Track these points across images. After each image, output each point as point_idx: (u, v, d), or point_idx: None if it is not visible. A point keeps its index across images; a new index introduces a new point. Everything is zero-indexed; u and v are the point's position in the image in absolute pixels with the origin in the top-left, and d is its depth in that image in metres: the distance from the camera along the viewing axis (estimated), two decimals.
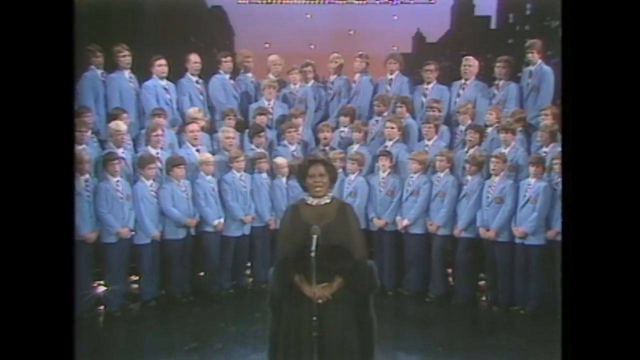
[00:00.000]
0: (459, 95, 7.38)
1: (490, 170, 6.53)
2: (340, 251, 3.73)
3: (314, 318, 3.68)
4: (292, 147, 7.31)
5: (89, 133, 6.71)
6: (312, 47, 8.50)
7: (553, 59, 7.26)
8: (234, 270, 7.07)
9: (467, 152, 6.82)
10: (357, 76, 7.78)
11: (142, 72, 7.35)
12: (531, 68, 7.11)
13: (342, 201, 4.18)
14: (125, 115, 6.96)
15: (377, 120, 7.41)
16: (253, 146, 7.24)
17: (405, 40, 8.88)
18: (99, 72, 7.18)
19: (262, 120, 7.35)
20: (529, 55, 7.09)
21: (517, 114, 6.90)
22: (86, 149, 6.50)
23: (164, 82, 7.35)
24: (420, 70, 7.60)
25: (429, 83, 7.49)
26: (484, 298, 6.81)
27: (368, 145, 7.28)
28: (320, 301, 3.70)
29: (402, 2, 8.15)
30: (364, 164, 7.04)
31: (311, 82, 7.88)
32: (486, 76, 7.48)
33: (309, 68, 7.85)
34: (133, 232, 6.52)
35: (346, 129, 7.41)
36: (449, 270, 6.94)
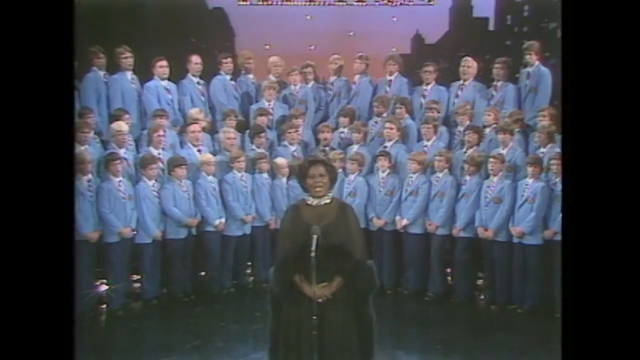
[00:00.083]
0: (457, 96, 7.41)
1: (488, 170, 6.56)
2: (340, 251, 3.75)
3: (314, 317, 3.69)
4: (293, 148, 7.35)
5: (92, 134, 6.73)
6: (312, 48, 8.50)
7: (551, 60, 7.30)
8: (234, 269, 7.11)
9: (465, 152, 6.85)
10: (356, 77, 7.81)
11: (144, 73, 7.38)
12: (529, 69, 7.14)
13: (342, 201, 4.21)
14: (127, 116, 6.99)
15: (376, 121, 7.44)
16: (254, 146, 7.27)
17: (405, 41, 8.89)
18: (102, 73, 7.21)
19: (262, 120, 7.39)
20: (527, 56, 7.13)
21: (515, 114, 6.93)
22: (89, 150, 6.54)
23: (166, 83, 7.38)
24: (419, 71, 7.64)
25: (427, 84, 7.52)
26: (482, 297, 6.83)
27: (367, 146, 7.31)
28: (320, 300, 3.72)
29: (401, 4, 8.17)
30: (364, 164, 7.07)
31: (311, 83, 7.91)
32: (484, 77, 7.51)
33: (309, 69, 7.89)
34: (135, 232, 6.56)
35: (346, 130, 7.44)
36: (448, 270, 6.96)
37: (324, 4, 8.29)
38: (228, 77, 7.74)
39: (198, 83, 7.62)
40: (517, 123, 6.85)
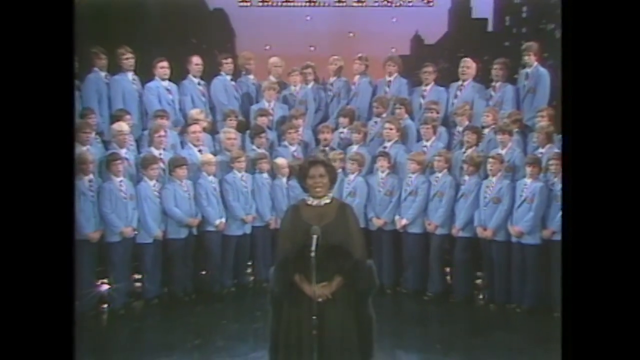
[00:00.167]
0: (456, 96, 7.44)
1: (487, 170, 6.58)
2: (340, 251, 3.77)
3: (314, 317, 3.71)
4: (293, 148, 7.38)
5: (93, 134, 6.75)
6: (312, 49, 8.51)
7: (549, 61, 7.34)
8: (235, 269, 7.13)
9: (464, 152, 6.88)
10: (356, 78, 7.85)
11: (145, 74, 7.40)
12: (527, 70, 7.18)
13: (341, 202, 4.22)
14: (128, 116, 7.01)
15: (376, 122, 7.47)
16: (254, 147, 7.30)
17: (404, 42, 8.90)
18: (103, 74, 7.23)
19: (262, 121, 7.41)
20: (525, 57, 7.17)
21: (514, 115, 6.96)
22: (90, 150, 6.56)
23: (166, 84, 7.40)
24: (418, 72, 7.67)
25: (427, 85, 7.56)
26: (481, 296, 6.86)
27: (367, 146, 7.34)
28: (320, 300, 3.74)
29: (400, 5, 8.20)
30: (364, 164, 7.09)
31: (311, 84, 7.94)
32: (483, 78, 7.54)
33: (309, 70, 7.92)
34: (136, 232, 6.58)
35: (345, 130, 7.46)
36: (447, 269, 6.99)
37: (323, 5, 8.31)
38: (228, 77, 7.77)
39: (199, 84, 7.65)
40: (515, 123, 6.88)
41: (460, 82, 7.48)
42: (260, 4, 8.24)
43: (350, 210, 3.99)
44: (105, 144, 6.98)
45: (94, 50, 7.16)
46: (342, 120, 7.53)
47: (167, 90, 7.41)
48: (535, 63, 7.14)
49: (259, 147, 7.28)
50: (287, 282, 3.85)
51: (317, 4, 8.28)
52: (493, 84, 7.36)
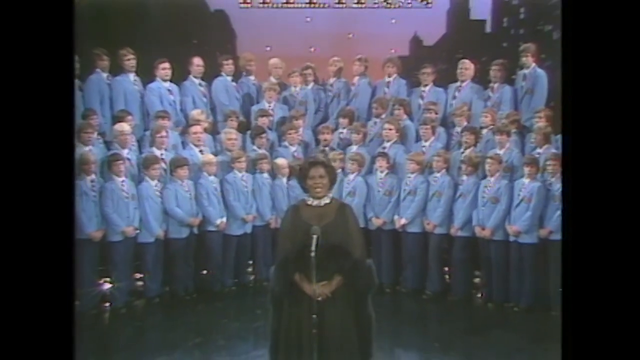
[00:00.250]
0: (455, 97, 7.48)
1: (485, 170, 6.62)
2: (340, 251, 3.80)
3: (314, 315, 3.74)
4: (293, 148, 7.42)
5: (95, 135, 6.77)
6: (312, 50, 8.54)
7: (546, 62, 7.38)
8: (236, 268, 7.15)
9: (463, 153, 6.91)
10: (356, 79, 7.88)
11: (146, 75, 7.42)
12: (525, 71, 7.20)
13: (341, 202, 4.23)
14: (130, 117, 7.04)
15: (375, 122, 7.51)
16: (254, 147, 7.33)
17: (403, 43, 8.93)
18: (105, 75, 7.25)
19: (263, 121, 7.44)
20: (523, 58, 7.19)
21: (512, 116, 7.00)
22: (92, 150, 6.58)
23: (168, 85, 7.43)
24: (417, 73, 7.71)
25: (425, 85, 7.60)
26: (479, 295, 6.89)
27: (367, 146, 7.37)
28: (320, 299, 3.77)
29: (399, 7, 8.24)
30: (363, 164, 7.11)
31: (311, 85, 7.97)
32: (481, 79, 7.58)
33: (309, 71, 7.95)
34: (138, 231, 6.61)
35: (345, 131, 7.50)
36: (446, 268, 7.02)
37: (323, 7, 8.34)
38: (229, 78, 7.79)
39: (200, 84, 7.68)
40: (513, 124, 6.92)
41: (458, 83, 7.51)
42: (261, 5, 8.28)
43: (349, 211, 4.02)
44: (107, 145, 7.00)
45: (96, 52, 7.18)
46: (341, 120, 7.57)
47: (169, 91, 7.44)
48: (533, 64, 7.16)
49: (259, 148, 7.32)
50: (287, 282, 3.87)
51: (317, 5, 8.31)
52: (491, 84, 7.40)
